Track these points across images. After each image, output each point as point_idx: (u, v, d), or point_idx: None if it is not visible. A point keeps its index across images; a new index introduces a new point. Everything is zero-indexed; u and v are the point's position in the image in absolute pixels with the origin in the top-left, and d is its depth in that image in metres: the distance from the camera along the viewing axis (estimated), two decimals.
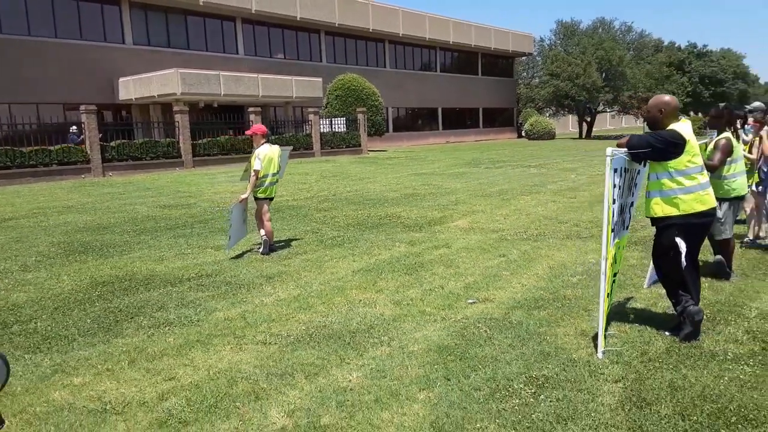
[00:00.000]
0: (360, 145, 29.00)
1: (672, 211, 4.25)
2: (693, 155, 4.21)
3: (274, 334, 4.76)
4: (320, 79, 31.66)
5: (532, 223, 9.71)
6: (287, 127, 29.66)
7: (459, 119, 47.94)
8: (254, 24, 32.92)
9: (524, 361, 4.02)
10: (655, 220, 4.43)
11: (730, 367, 3.83)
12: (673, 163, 4.20)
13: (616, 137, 50.24)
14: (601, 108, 51.40)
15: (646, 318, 4.83)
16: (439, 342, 4.46)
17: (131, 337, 4.80)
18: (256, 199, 7.82)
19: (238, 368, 4.09)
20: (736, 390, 3.49)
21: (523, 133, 48.27)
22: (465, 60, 48.21)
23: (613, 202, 4.10)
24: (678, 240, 4.24)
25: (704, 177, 4.30)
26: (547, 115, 51.71)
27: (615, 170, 4.08)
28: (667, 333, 4.42)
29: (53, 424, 3.40)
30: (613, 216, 4.11)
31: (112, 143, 20.70)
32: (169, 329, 4.95)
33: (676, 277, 4.35)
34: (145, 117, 27.25)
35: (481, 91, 48.95)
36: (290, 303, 5.59)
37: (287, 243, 8.42)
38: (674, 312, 4.56)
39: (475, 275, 6.46)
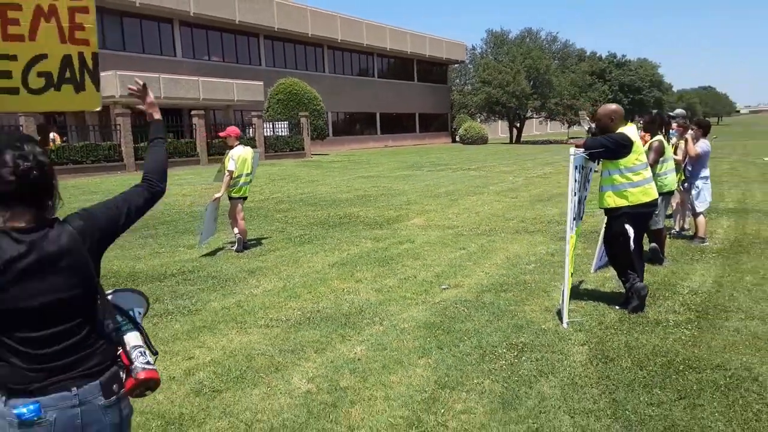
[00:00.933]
0: (303, 149, 29.27)
1: (622, 203, 5.03)
2: (639, 154, 5.00)
3: (273, 318, 5.21)
4: (262, 83, 31.72)
5: (482, 220, 10.47)
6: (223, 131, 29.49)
7: (397, 124, 48.88)
8: (192, 26, 32.57)
9: (502, 332, 4.67)
10: (607, 210, 5.20)
11: (673, 331, 4.62)
12: (623, 161, 4.98)
13: (543, 142, 52.41)
14: (529, 114, 53.74)
15: (597, 296, 5.59)
16: (425, 320, 5.05)
17: (190, 315, 5.16)
18: (231, 198, 8.16)
19: (251, 347, 4.53)
20: (680, 347, 4.26)
21: (458, 138, 49.75)
22: (401, 66, 49.24)
23: (574, 194, 4.83)
24: (627, 227, 5.02)
25: (648, 173, 5.11)
26: (479, 120, 53.57)
27: (575, 167, 4.80)
28: (617, 307, 5.19)
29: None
30: (573, 206, 4.84)
31: (52, 146, 20.14)
32: (171, 317, 5.30)
33: (625, 258, 5.13)
34: (80, 120, 26.51)
35: (417, 97, 50.10)
36: (279, 293, 6.03)
37: (258, 241, 8.79)
38: (621, 291, 5.34)
39: (442, 265, 7.09)
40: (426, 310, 5.35)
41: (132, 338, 2.09)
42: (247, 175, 8.21)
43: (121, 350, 2.05)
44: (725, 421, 3.21)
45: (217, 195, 8.10)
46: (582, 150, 4.97)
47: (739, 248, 7.50)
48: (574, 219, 4.93)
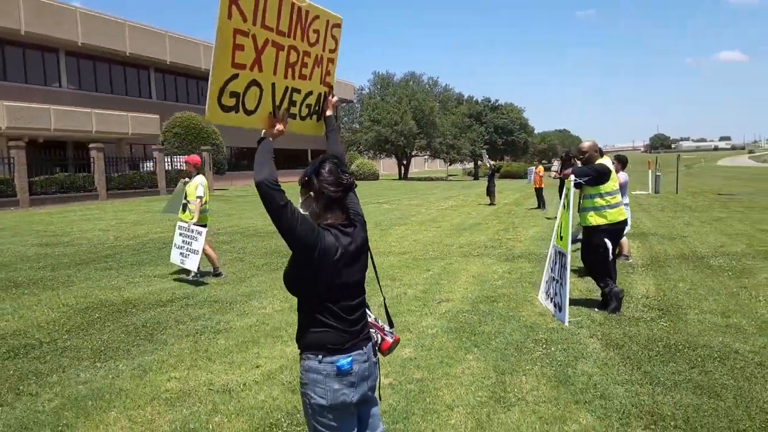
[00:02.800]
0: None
1: (602, 221, 6.07)
2: (615, 181, 6.10)
3: None
4: (157, 116, 30.88)
5: (426, 246, 11.32)
6: (120, 165, 28.36)
7: (290, 159, 49.16)
8: (79, 57, 31.11)
9: (520, 332, 5.46)
10: (588, 228, 6.22)
11: (652, 324, 5.66)
12: (603, 187, 6.04)
13: (426, 179, 54.74)
14: (415, 152, 56.45)
15: (574, 303, 6.57)
16: (446, 327, 5.71)
17: (179, 344, 5.30)
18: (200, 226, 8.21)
19: None
20: (666, 334, 5.30)
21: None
22: None
23: (568, 209, 5.80)
24: (606, 240, 6.06)
25: (620, 197, 6.22)
26: (367, 157, 55.40)
27: (571, 189, 5.79)
28: (596, 309, 6.18)
29: (192, 403, 4.00)
30: (570, 222, 5.79)
31: None
32: (210, 336, 5.52)
33: (604, 267, 6.16)
34: None
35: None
36: (290, 312, 6.39)
37: (224, 270, 8.93)
38: (588, 297, 6.36)
39: (421, 284, 7.79)
40: (438, 319, 6.01)
41: (368, 312, 2.62)
42: (207, 203, 8.31)
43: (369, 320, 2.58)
44: (732, 378, 4.21)
45: (193, 221, 8.13)
46: (573, 177, 5.97)
47: (659, 263, 8.94)
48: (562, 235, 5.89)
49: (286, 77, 2.73)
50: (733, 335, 5.22)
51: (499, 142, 67.36)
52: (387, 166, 63.82)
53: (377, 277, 2.70)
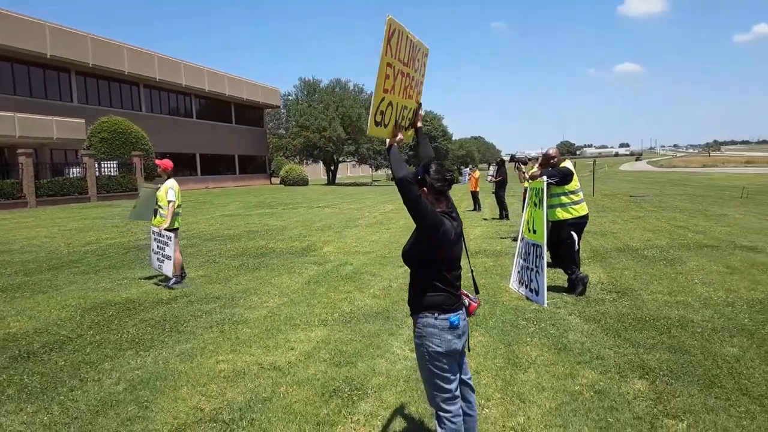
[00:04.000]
0: (137, 190, 28.06)
1: (568, 216, 7.02)
2: (577, 181, 7.06)
3: (322, 320, 6.17)
4: (83, 121, 29.81)
5: (386, 246, 12.01)
6: (44, 171, 27.19)
7: (216, 165, 48.48)
8: None
9: (509, 313, 6.27)
10: (557, 222, 7.14)
11: (616, 303, 6.64)
12: (568, 186, 6.99)
13: (352, 184, 55.33)
14: (342, 158, 57.10)
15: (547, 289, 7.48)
16: (494, 308, 6.42)
17: (207, 334, 5.73)
18: (170, 230, 8.40)
19: (334, 337, 5.53)
20: (632, 310, 6.28)
21: (280, 180, 50.95)
22: (220, 108, 49.25)
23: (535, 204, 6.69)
24: (572, 233, 7.00)
25: (582, 195, 7.19)
26: (295, 162, 55.56)
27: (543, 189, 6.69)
28: (564, 294, 7.12)
29: (251, 379, 4.51)
30: (544, 218, 6.68)
31: None
32: (232, 326, 5.98)
33: (570, 256, 7.11)
34: None
35: (235, 139, 50.36)
36: (293, 306, 6.92)
37: (203, 272, 9.24)
38: (558, 285, 7.29)
39: (400, 279, 8.47)
40: None
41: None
42: (179, 206, 8.37)
43: None
44: (695, 340, 5.20)
45: (164, 226, 8.08)
46: (545, 178, 6.87)
47: (601, 256, 10.09)
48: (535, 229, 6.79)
49: (402, 97, 3.40)
50: (685, 309, 6.28)
51: None
52: (313, 171, 64.04)
53: (467, 254, 3.37)
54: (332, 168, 56.37)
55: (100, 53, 35.06)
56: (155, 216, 8.42)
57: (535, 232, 7.00)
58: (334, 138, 50.18)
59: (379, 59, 3.08)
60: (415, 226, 2.96)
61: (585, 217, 7.22)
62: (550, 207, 7.19)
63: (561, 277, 7.73)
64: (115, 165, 28.04)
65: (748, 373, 4.44)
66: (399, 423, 3.79)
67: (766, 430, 3.57)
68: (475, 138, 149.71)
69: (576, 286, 7.08)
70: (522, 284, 7.24)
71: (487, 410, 3.95)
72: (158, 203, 8.38)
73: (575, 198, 7.07)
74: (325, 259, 10.37)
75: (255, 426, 3.76)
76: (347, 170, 77.69)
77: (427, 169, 3.05)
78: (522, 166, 12.60)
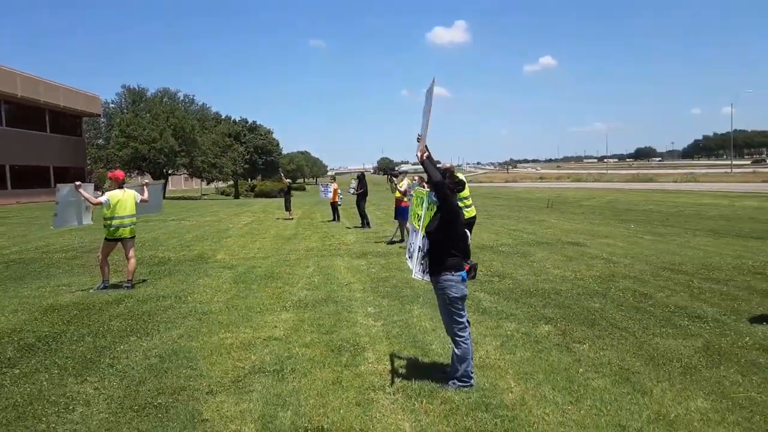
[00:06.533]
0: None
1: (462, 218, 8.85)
2: (467, 190, 8.94)
3: (283, 306, 7.23)
4: None
5: (275, 252, 13.00)
6: None
7: (29, 178, 44.13)
8: None
9: (431, 294, 7.86)
10: None
11: (502, 283, 8.58)
12: (461, 194, 8.81)
13: (189, 198, 53.77)
14: (172, 171, 55.17)
15: None
16: (383, 294, 7.84)
17: (189, 322, 6.57)
18: (106, 240, 8.70)
19: (307, 317, 6.67)
20: (515, 286, 8.22)
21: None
22: (34, 116, 44.99)
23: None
24: (466, 231, 8.84)
25: (470, 201, 9.07)
26: None
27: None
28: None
29: (264, 346, 5.56)
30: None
31: None
32: (203, 316, 6.82)
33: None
34: None
35: (51, 149, 46.29)
36: (245, 298, 7.83)
37: (116, 279, 9.49)
38: None
39: (315, 276, 9.68)
40: (370, 292, 8.09)
41: None
42: (121, 217, 8.73)
43: None
44: (573, 300, 7.24)
45: (82, 191, 8.80)
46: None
47: (521, 248, 12.18)
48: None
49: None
50: (551, 284, 8.43)
51: (260, 162, 69.33)
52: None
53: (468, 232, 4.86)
54: (163, 181, 54.23)
55: None
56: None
57: None
58: (166, 149, 48.52)
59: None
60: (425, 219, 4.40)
61: (474, 218, 9.14)
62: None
63: None
64: None
65: (610, 316, 6.54)
66: (400, 360, 5.15)
67: (632, 346, 5.56)
68: (302, 152, 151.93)
69: (469, 271, 8.92)
70: (426, 272, 8.91)
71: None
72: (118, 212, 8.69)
73: (466, 203, 8.95)
74: (228, 264, 11.11)
75: (298, 371, 4.87)
76: (181, 183, 74.58)
77: (445, 176, 4.53)
78: (394, 179, 14.65)
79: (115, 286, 8.63)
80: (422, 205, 8.94)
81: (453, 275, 4.49)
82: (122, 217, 8.79)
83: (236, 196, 59.29)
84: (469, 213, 8.96)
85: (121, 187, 9.03)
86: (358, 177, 19.94)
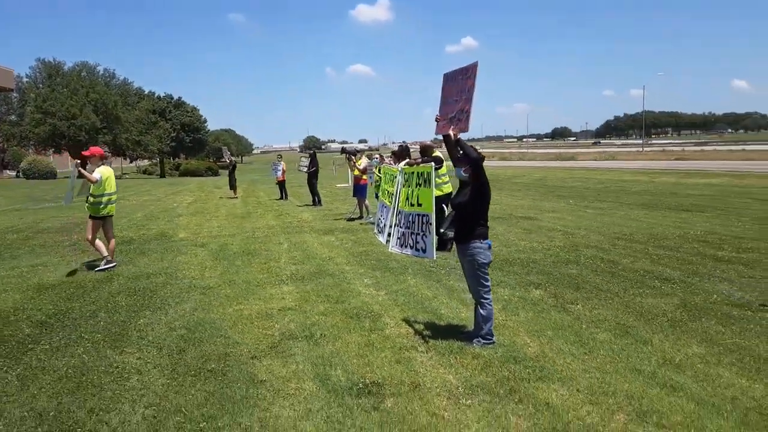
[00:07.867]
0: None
1: (439, 193, 9.27)
2: (446, 167, 9.36)
3: (281, 280, 7.42)
4: None
5: (238, 230, 12.98)
6: None
7: None
8: None
9: (418, 264, 8.27)
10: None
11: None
12: (440, 171, 9.24)
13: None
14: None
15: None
16: (372, 266, 8.16)
17: (195, 297, 6.68)
18: (94, 218, 8.52)
19: (310, 288, 6.91)
20: (495, 258, 8.77)
21: (18, 173, 44.98)
22: None
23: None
24: (443, 205, 9.30)
25: (448, 177, 9.50)
26: (30, 152, 49.71)
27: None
28: (439, 252, 9.39)
29: (282, 316, 5.80)
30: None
31: None
32: (207, 290, 6.93)
33: (439, 223, 9.40)
34: None
35: None
36: (236, 273, 7.95)
37: (88, 258, 9.24)
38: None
39: (294, 251, 9.87)
40: (357, 266, 8.39)
41: None
42: (110, 194, 8.65)
43: None
44: (552, 267, 7.84)
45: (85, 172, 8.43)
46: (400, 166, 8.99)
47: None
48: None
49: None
50: (526, 254, 9.05)
51: (188, 140, 67.07)
52: (61, 163, 57.37)
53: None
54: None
55: None
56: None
57: (420, 205, 9.09)
58: (87, 126, 46.13)
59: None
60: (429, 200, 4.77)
61: (450, 194, 9.59)
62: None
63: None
64: None
65: (591, 280, 7.19)
66: (418, 324, 5.53)
67: (620, 305, 6.19)
68: (226, 130, 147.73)
69: (446, 243, 9.40)
70: (405, 246, 9.31)
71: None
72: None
73: (444, 179, 9.38)
74: (196, 242, 11.04)
75: (328, 335, 5.16)
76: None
77: (425, 154, 4.92)
78: (352, 157, 14.91)
79: (90, 266, 8.46)
80: (394, 182, 9.34)
81: (482, 243, 4.90)
82: (111, 194, 8.67)
83: (162, 175, 57.23)
84: (445, 189, 9.41)
85: (103, 163, 8.84)
86: (309, 155, 19.96)
